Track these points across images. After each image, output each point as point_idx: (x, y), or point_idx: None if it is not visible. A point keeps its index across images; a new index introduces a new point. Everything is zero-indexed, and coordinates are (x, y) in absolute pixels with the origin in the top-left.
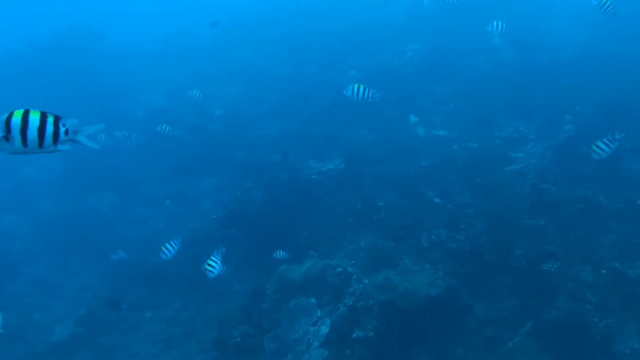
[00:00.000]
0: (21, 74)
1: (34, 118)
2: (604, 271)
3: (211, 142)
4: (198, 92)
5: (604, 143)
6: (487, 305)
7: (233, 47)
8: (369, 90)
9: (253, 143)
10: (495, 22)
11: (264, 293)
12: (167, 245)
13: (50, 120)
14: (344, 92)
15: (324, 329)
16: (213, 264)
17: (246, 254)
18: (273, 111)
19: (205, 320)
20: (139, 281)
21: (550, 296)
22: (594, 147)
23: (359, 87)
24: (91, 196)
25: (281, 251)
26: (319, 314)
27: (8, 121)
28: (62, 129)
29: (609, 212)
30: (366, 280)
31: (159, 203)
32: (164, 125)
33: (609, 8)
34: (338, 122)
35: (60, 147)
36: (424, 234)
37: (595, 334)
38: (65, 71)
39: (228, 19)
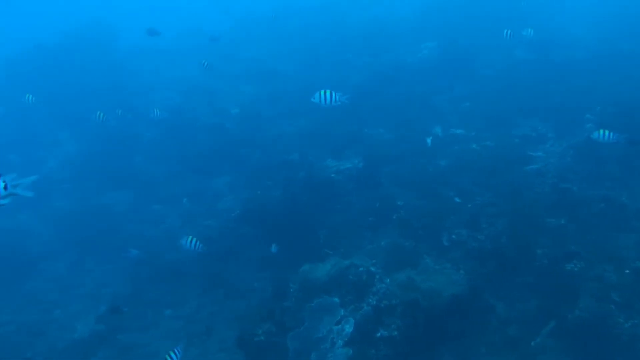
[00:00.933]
0: (37, 72)
1: None
2: (627, 271)
3: (227, 140)
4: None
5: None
6: (508, 305)
7: (246, 44)
8: (335, 94)
9: (270, 142)
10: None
11: (286, 292)
12: (193, 241)
13: None
14: (312, 99)
15: (348, 328)
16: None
17: (266, 253)
18: (288, 110)
19: (224, 318)
20: (157, 279)
21: (573, 296)
22: (600, 131)
23: (325, 93)
24: (107, 194)
25: (275, 245)
26: (343, 313)
27: None
28: (1, 185)
29: (631, 212)
30: (388, 280)
31: (176, 201)
32: (155, 110)
33: None
34: (354, 120)
35: (1, 201)
36: (445, 233)
37: (621, 334)
38: (81, 69)
39: (240, 15)
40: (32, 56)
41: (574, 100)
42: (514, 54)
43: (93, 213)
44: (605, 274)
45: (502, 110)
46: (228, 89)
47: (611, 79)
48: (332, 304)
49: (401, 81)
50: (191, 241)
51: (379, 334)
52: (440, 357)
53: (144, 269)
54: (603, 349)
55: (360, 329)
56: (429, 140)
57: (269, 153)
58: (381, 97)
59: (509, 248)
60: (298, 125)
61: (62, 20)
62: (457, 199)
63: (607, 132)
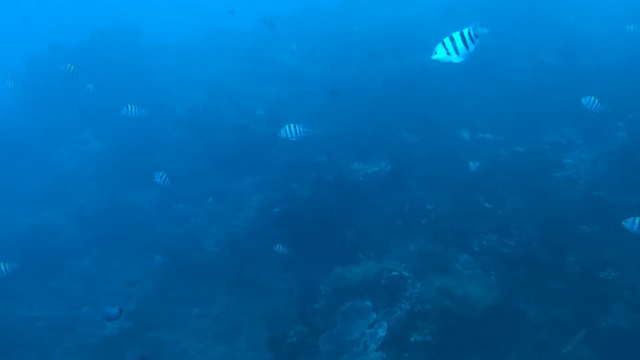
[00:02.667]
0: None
1: None
2: None
3: (253, 141)
4: None
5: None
6: (540, 311)
7: (269, 45)
8: (298, 127)
9: (295, 143)
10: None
11: (317, 293)
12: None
13: None
14: (279, 135)
15: (382, 332)
16: None
17: (291, 253)
18: (314, 112)
19: (251, 317)
20: (183, 277)
21: (606, 304)
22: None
23: (289, 127)
24: (133, 193)
25: (280, 245)
26: (375, 317)
27: None
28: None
29: None
30: (419, 284)
31: (201, 200)
32: (130, 106)
33: None
34: (380, 123)
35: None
36: (475, 238)
37: None
38: (106, 68)
39: (261, 15)
40: (59, 56)
41: (604, 106)
42: (540, 58)
43: (119, 211)
44: None
45: (530, 115)
46: (252, 89)
47: None
48: (364, 307)
49: (426, 84)
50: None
51: (412, 339)
52: None
53: (171, 267)
54: (636, 358)
55: (394, 333)
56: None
57: (295, 155)
58: (406, 100)
59: (540, 254)
60: (324, 128)
61: (89, 21)
62: (487, 204)
63: (595, 100)
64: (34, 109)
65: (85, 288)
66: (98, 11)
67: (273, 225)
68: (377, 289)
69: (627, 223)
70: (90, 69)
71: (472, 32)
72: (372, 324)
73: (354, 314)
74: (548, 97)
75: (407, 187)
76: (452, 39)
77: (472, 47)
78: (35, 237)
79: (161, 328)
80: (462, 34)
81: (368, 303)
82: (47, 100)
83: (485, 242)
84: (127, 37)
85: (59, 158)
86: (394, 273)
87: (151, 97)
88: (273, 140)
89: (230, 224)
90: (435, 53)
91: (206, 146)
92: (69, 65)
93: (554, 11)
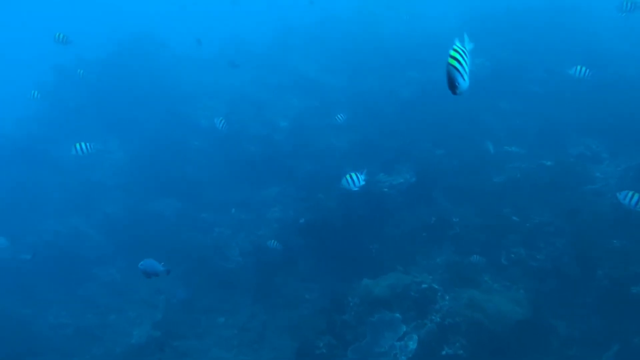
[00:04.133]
0: (89, 81)
1: None
2: None
3: (276, 152)
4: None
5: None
6: (570, 326)
7: (288, 56)
8: (360, 176)
9: (319, 154)
10: (578, 67)
11: (345, 305)
12: (353, 176)
13: None
14: (340, 185)
15: (412, 345)
16: None
17: (316, 264)
18: (337, 123)
19: (276, 327)
20: (208, 286)
21: (639, 320)
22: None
23: (350, 176)
24: (156, 201)
25: (274, 241)
26: (405, 329)
27: None
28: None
29: None
30: (448, 297)
31: (225, 210)
32: (79, 145)
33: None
34: (403, 135)
35: None
36: (503, 251)
37: None
38: (129, 78)
39: (281, 26)
40: (84, 66)
41: (628, 119)
42: (560, 70)
43: (143, 220)
44: None
45: (554, 128)
46: (274, 100)
47: None
48: (394, 319)
49: (449, 97)
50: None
51: (444, 352)
52: None
53: (195, 276)
54: None
55: (425, 346)
56: (490, 145)
57: (319, 166)
58: (429, 112)
59: (569, 268)
60: (347, 139)
61: (114, 32)
62: (514, 217)
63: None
64: (59, 119)
65: (112, 296)
66: (123, 22)
67: (297, 235)
68: (406, 301)
69: (621, 195)
70: (116, 79)
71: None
72: (402, 336)
73: (383, 326)
74: (571, 109)
75: (433, 198)
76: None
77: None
78: (62, 245)
79: (187, 337)
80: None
81: (397, 315)
82: (71, 110)
83: (513, 255)
84: (151, 47)
85: (84, 167)
86: (424, 285)
87: (174, 107)
88: (296, 151)
89: (254, 233)
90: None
91: (229, 156)
92: (79, 70)
93: (573, 22)
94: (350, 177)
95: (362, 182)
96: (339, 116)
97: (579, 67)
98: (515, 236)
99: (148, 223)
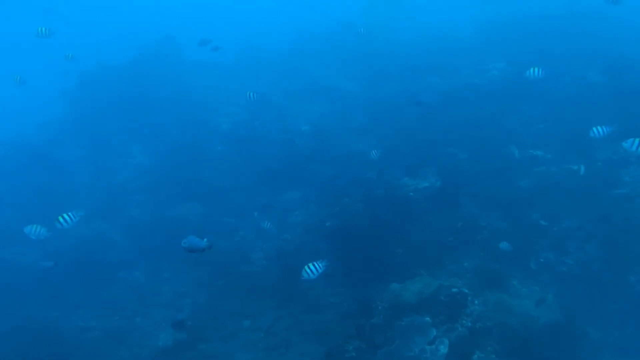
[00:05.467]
0: (110, 87)
1: None
2: None
3: (298, 156)
4: None
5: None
6: (602, 331)
7: (305, 62)
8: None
9: (341, 159)
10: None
11: (373, 308)
12: (311, 267)
13: None
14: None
15: (443, 349)
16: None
17: (340, 268)
18: (359, 128)
19: (302, 331)
20: (232, 290)
21: None
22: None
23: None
24: (179, 206)
25: (268, 222)
26: (435, 333)
27: None
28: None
29: None
30: (477, 301)
31: (247, 214)
32: (33, 227)
33: None
34: (426, 139)
35: None
36: (532, 256)
37: None
38: (150, 84)
39: (296, 32)
40: (107, 71)
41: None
42: (587, 76)
43: (167, 223)
44: None
45: (579, 132)
46: (293, 105)
47: None
48: (424, 323)
49: (470, 101)
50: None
51: (475, 356)
52: None
53: (219, 280)
54: None
55: (456, 350)
56: (514, 149)
57: (341, 170)
58: (451, 117)
59: (600, 273)
60: (368, 143)
61: (135, 38)
62: (543, 222)
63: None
64: (83, 124)
65: (137, 299)
66: (144, 29)
67: (322, 239)
68: (436, 305)
69: (627, 143)
70: (137, 85)
71: None
72: (432, 340)
73: (413, 329)
74: (595, 114)
75: (459, 203)
76: None
77: None
78: (87, 248)
79: (213, 340)
80: None
81: (427, 319)
82: (95, 115)
83: (542, 260)
84: (171, 53)
85: (108, 171)
86: (454, 290)
87: (195, 112)
88: (318, 155)
89: (278, 237)
90: None
91: (251, 160)
92: None
93: (593, 27)
94: (308, 267)
95: (321, 270)
96: (373, 152)
97: (533, 69)
98: (545, 241)
99: (172, 227)
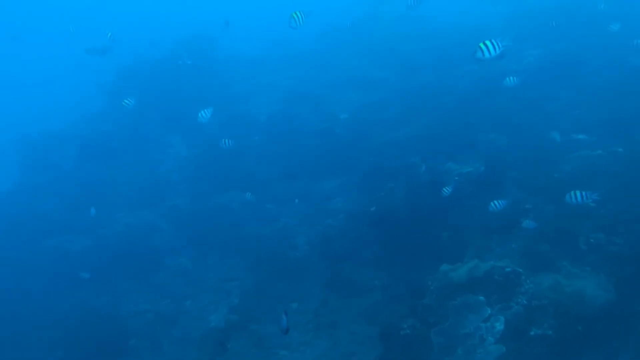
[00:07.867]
0: (149, 80)
1: None
2: None
3: (337, 144)
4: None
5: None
6: None
7: (336, 53)
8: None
9: (382, 146)
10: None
11: (424, 289)
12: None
13: None
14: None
15: (499, 326)
16: None
17: (384, 252)
18: (397, 116)
19: (350, 313)
20: (278, 274)
21: None
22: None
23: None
24: (221, 194)
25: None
26: (490, 312)
27: None
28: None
29: None
30: (529, 281)
31: (288, 201)
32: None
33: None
34: (466, 125)
35: None
36: (581, 237)
37: None
38: (188, 76)
39: (324, 25)
40: (144, 66)
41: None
42: (627, 61)
43: (210, 211)
44: None
45: (620, 117)
46: (332, 95)
47: None
48: (477, 302)
49: (508, 88)
50: None
51: (532, 332)
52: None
53: (264, 265)
54: None
55: (512, 327)
56: (556, 134)
57: (382, 157)
58: (490, 103)
59: None
60: (408, 132)
61: (171, 32)
62: (590, 203)
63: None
64: (122, 117)
65: (185, 283)
66: (180, 23)
67: (367, 224)
68: (489, 285)
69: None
70: (174, 78)
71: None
72: (487, 318)
73: (466, 308)
74: (635, 98)
75: (503, 187)
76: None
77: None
78: (134, 236)
79: (264, 321)
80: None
81: (481, 298)
82: (134, 107)
83: (592, 241)
84: (205, 46)
85: (150, 162)
86: (507, 269)
87: (232, 104)
88: (358, 143)
89: (321, 223)
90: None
91: (289, 150)
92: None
93: (626, 13)
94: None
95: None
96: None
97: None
98: (593, 222)
99: (215, 214)
